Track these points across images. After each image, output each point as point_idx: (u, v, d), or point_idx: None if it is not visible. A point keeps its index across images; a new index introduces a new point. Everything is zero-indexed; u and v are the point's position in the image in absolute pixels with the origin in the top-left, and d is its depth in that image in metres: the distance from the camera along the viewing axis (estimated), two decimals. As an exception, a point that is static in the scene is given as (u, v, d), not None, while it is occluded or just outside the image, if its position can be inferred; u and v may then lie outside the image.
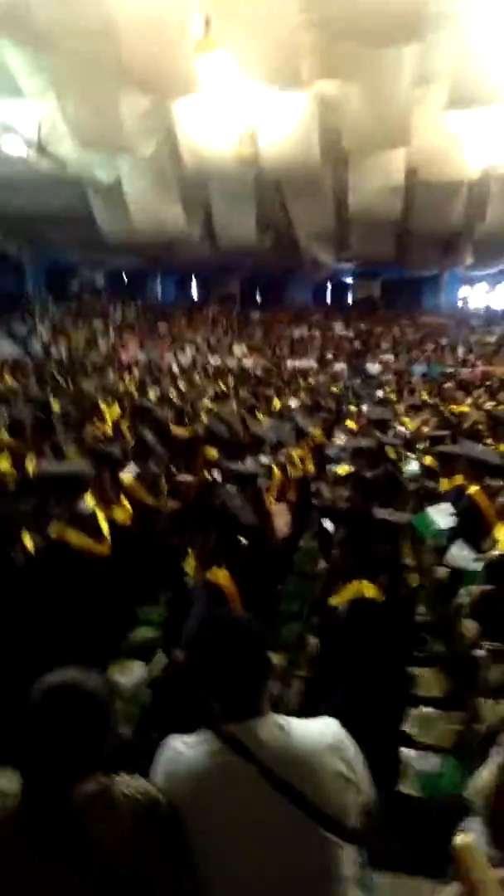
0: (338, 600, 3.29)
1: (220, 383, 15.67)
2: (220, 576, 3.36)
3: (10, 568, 3.52)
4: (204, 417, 9.90)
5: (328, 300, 31.85)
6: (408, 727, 3.64)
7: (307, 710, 3.38)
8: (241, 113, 16.73)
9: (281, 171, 18.57)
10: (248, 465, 4.82)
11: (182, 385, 14.91)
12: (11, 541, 3.51)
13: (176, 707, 3.46)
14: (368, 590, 3.24)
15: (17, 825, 1.42)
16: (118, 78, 13.59)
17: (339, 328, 27.30)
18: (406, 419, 10.61)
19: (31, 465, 5.75)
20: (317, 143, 16.82)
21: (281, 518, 4.60)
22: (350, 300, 31.36)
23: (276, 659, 4.16)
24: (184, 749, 1.66)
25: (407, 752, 3.45)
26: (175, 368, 19.99)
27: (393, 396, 16.29)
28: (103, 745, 1.53)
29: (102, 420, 9.19)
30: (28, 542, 3.72)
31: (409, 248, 24.19)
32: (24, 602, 3.42)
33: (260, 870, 1.54)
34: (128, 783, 1.58)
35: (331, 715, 1.77)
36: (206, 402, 11.14)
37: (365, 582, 3.26)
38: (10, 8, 11.70)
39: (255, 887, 1.55)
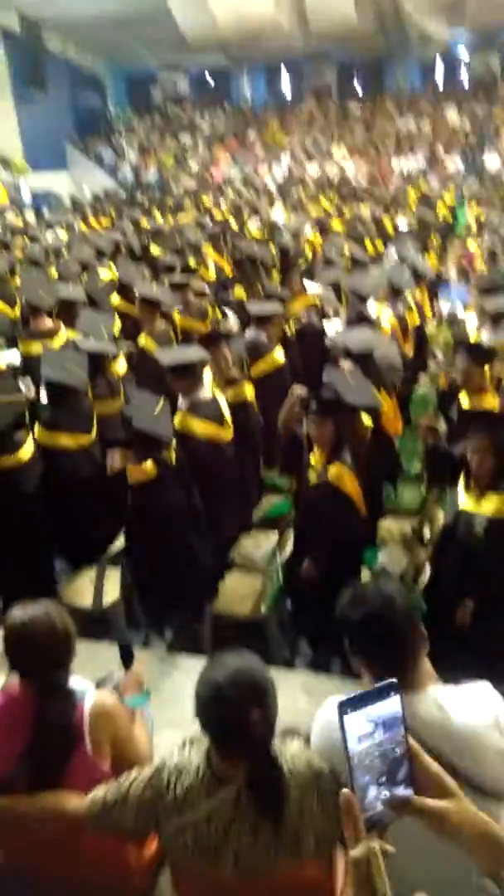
0: (478, 509, 3.25)
1: (322, 202, 14.59)
2: (344, 476, 3.37)
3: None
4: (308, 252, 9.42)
5: (439, 83, 27.88)
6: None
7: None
8: None
9: None
10: (364, 337, 4.56)
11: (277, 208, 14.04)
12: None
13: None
14: None
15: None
16: None
17: (451, 115, 24.17)
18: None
19: (144, 341, 5.75)
20: None
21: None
22: (465, 80, 27.35)
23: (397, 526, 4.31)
24: None
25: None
26: (271, 185, 18.71)
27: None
28: None
29: (205, 265, 8.91)
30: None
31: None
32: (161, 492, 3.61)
33: (414, 838, 1.69)
34: (294, 754, 1.73)
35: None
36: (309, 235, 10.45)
37: None
38: None
39: (408, 854, 1.71)
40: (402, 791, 0.91)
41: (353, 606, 1.79)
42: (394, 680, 0.98)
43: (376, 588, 1.82)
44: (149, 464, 3.54)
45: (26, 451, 3.94)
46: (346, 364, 4.18)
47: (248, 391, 4.66)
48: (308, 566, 3.47)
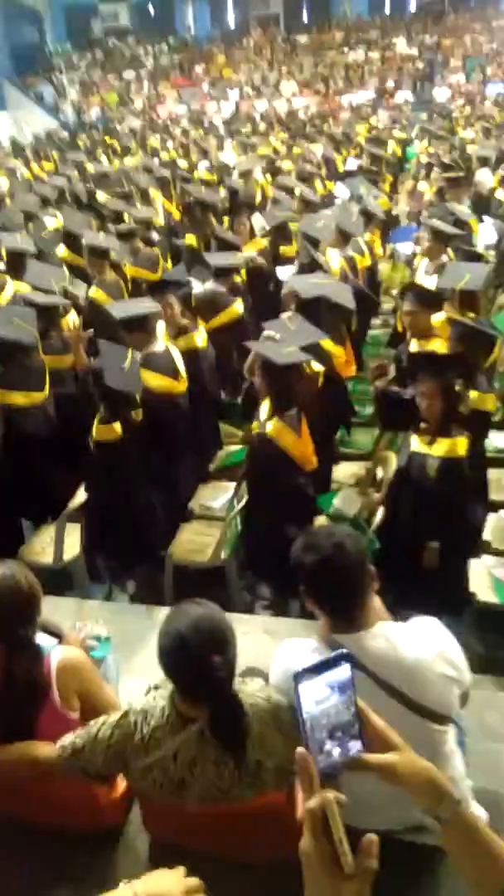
0: (430, 451, 3.36)
1: (271, 142, 14.25)
2: (282, 431, 3.45)
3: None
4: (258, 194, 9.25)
5: (387, 9, 27.08)
6: (488, 535, 3.86)
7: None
8: None
9: None
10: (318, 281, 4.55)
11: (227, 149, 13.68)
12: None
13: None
14: (462, 447, 3.32)
15: None
16: None
17: (400, 45, 23.60)
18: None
19: (94, 292, 5.65)
20: None
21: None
22: (413, 7, 26.60)
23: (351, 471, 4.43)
24: (300, 655, 1.88)
25: (487, 559, 3.69)
26: (219, 124, 18.15)
27: (459, 129, 14.56)
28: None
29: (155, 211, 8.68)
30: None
31: None
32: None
33: (367, 786, 1.80)
34: (254, 691, 1.83)
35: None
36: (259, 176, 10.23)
37: (460, 439, 3.31)
38: None
39: (363, 802, 1.83)
40: (354, 745, 1.00)
41: (306, 552, 1.86)
42: (345, 650, 1.07)
43: (327, 533, 1.90)
44: (117, 424, 3.55)
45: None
46: (285, 315, 4.18)
47: (200, 340, 4.64)
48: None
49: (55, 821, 2.21)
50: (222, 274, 5.49)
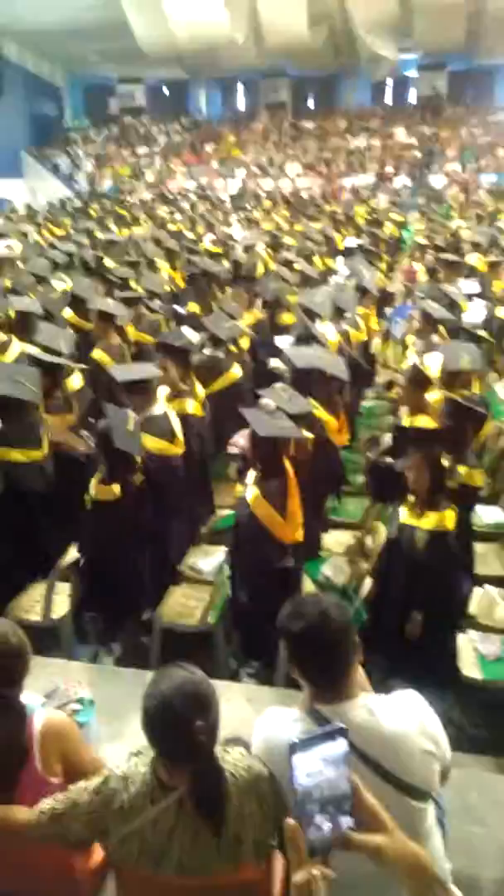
0: (419, 523, 3.42)
1: (275, 218, 14.83)
2: (258, 502, 3.48)
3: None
4: (260, 267, 9.58)
5: (389, 100, 28.65)
6: (473, 609, 3.88)
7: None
8: None
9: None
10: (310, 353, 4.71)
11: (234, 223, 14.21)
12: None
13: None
14: (449, 520, 3.39)
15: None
16: None
17: (400, 134, 24.85)
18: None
19: (99, 355, 5.80)
20: None
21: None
22: (413, 98, 28.16)
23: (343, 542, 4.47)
24: (281, 725, 1.87)
25: (472, 634, 3.70)
26: (226, 199, 18.91)
27: (454, 213, 15.22)
28: None
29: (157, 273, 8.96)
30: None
31: (480, 33, 21.18)
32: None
33: (355, 863, 1.79)
34: (235, 760, 1.83)
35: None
36: (262, 251, 10.62)
37: (448, 512, 3.39)
38: None
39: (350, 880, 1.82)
40: (345, 820, 1.01)
41: (292, 619, 1.87)
42: (342, 725, 1.08)
43: (314, 601, 1.91)
44: (116, 485, 3.61)
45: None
46: (277, 386, 4.28)
47: (192, 406, 4.74)
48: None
49: (29, 888, 2.15)
50: (220, 342, 5.66)
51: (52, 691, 2.50)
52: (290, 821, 0.97)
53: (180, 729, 1.71)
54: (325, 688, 1.85)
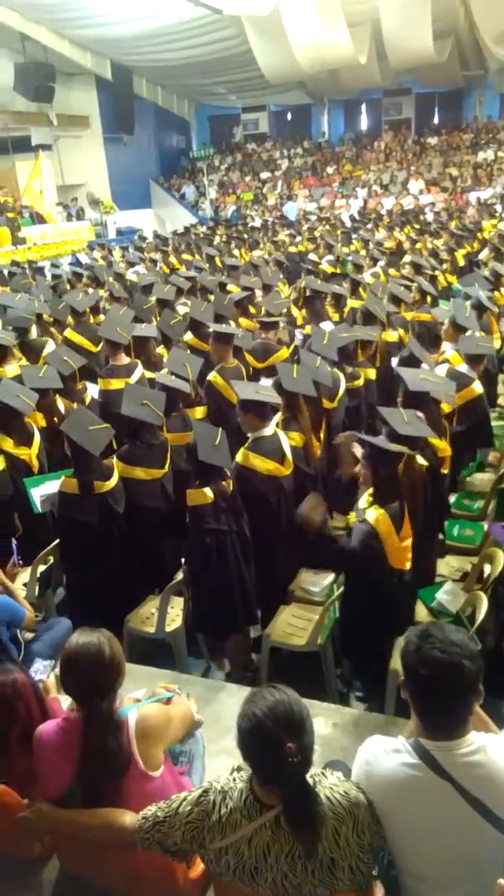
0: None
1: (395, 236, 14.69)
2: (380, 520, 3.38)
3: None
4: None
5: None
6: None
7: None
8: None
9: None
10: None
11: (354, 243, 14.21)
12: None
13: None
14: None
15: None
16: None
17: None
18: None
19: (214, 377, 5.97)
20: None
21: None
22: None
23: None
24: (384, 755, 1.85)
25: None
26: (346, 221, 18.95)
27: None
28: None
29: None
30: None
31: None
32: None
33: (441, 871, 1.76)
34: (332, 785, 1.83)
35: None
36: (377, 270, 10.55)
37: None
38: None
39: (434, 884, 1.77)
40: None
41: (421, 663, 1.78)
42: None
43: (444, 645, 1.78)
44: (208, 489, 3.74)
45: (115, 478, 4.21)
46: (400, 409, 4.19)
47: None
48: None
49: (132, 892, 2.23)
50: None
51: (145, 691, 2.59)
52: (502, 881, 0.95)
53: (271, 750, 1.72)
54: (438, 727, 1.81)
